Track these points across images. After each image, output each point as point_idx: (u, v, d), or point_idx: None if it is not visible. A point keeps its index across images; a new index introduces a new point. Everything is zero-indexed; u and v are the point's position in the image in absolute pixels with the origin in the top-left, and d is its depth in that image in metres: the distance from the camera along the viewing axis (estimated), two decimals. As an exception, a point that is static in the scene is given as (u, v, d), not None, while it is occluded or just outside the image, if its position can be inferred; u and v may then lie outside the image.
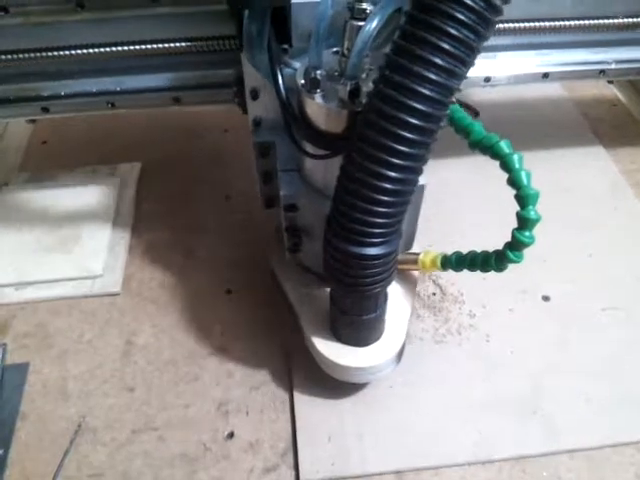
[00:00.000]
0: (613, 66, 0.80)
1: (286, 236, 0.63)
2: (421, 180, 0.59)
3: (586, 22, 0.74)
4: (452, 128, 0.50)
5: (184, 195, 0.92)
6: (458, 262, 0.59)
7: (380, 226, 0.47)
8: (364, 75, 0.47)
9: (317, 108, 0.49)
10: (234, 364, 0.71)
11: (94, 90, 0.73)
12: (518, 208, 0.47)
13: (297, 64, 0.52)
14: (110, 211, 0.88)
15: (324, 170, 0.51)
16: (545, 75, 0.80)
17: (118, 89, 0.72)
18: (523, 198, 0.47)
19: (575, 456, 0.63)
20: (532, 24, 0.73)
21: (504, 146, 0.47)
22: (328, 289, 0.61)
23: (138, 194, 0.93)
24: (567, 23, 0.74)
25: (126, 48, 0.67)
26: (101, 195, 0.90)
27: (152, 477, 0.61)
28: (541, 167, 0.95)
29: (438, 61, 0.39)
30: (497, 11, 0.39)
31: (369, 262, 0.49)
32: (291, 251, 0.65)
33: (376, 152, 0.42)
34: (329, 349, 0.62)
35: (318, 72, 0.47)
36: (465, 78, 0.42)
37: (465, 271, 0.79)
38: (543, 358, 0.71)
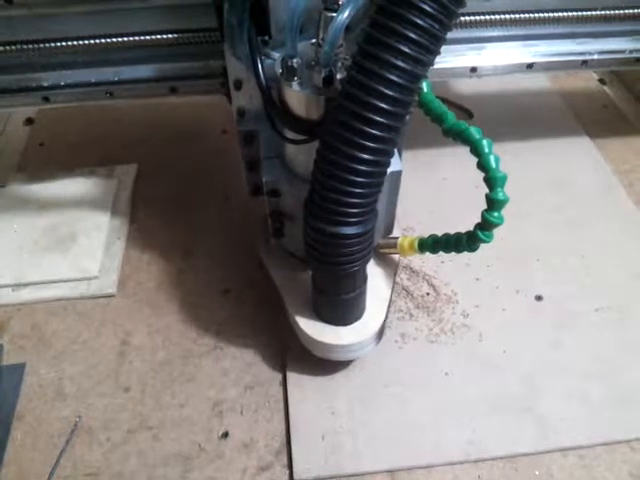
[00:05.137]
0: (595, 57, 0.82)
1: (270, 221, 0.66)
2: (397, 166, 0.62)
3: (570, 14, 0.76)
4: (428, 117, 0.53)
5: (182, 196, 0.93)
6: (434, 244, 0.61)
7: (355, 206, 0.48)
8: (339, 64, 0.49)
9: (294, 95, 0.51)
10: (229, 364, 0.71)
11: (93, 80, 0.74)
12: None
13: (276, 55, 0.54)
14: (107, 212, 0.88)
15: (304, 156, 0.53)
16: (529, 66, 0.82)
17: (116, 79, 0.74)
18: (491, 180, 0.49)
19: (567, 454, 0.63)
20: (517, 16, 0.75)
21: (474, 132, 0.49)
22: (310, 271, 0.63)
23: (135, 195, 0.93)
24: (551, 15, 0.76)
25: (123, 39, 0.69)
26: (98, 196, 0.91)
27: (147, 476, 0.62)
28: (533, 168, 0.97)
29: (404, 49, 0.41)
30: (460, 3, 0.42)
31: (345, 241, 0.51)
32: (275, 236, 0.68)
33: (349, 135, 0.45)
34: (312, 328, 0.65)
35: (294, 61, 0.49)
36: (432, 65, 0.45)
37: (458, 271, 0.81)
38: (536, 357, 0.71)
